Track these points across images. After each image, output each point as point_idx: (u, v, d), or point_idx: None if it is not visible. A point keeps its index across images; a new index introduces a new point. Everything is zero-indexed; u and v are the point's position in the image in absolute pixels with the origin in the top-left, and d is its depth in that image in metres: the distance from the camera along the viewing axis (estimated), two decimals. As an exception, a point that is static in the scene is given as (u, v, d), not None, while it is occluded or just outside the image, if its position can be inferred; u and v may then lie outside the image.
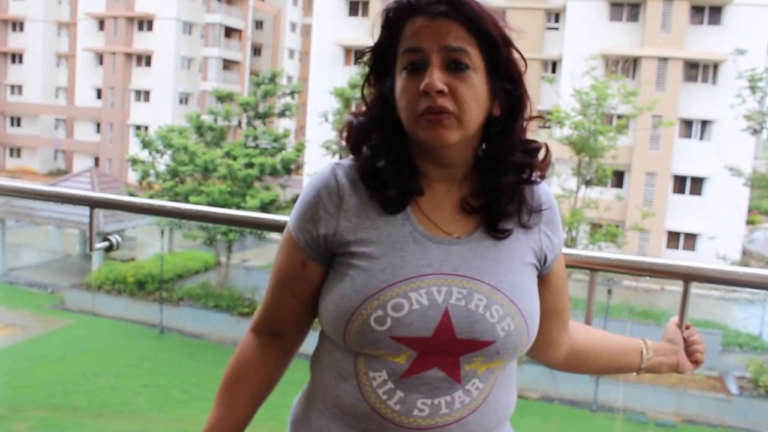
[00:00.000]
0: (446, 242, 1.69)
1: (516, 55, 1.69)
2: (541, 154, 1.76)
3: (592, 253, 2.41)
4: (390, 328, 1.61)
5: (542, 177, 1.78)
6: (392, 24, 1.68)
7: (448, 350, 1.64)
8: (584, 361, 2.03)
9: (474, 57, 1.63)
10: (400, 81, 1.66)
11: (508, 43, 1.67)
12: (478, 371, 1.67)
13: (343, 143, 1.78)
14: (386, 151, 1.72)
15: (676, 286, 2.28)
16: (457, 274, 1.66)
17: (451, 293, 1.64)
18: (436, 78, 1.59)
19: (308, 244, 1.74)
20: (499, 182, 1.71)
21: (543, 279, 1.82)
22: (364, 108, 1.77)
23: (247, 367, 1.86)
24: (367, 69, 1.77)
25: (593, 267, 2.35)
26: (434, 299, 1.63)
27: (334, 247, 1.71)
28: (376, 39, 1.73)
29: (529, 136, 1.75)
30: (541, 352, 1.95)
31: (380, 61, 1.73)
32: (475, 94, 1.63)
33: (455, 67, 1.62)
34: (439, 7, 1.62)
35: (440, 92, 1.59)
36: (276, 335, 1.86)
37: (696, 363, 2.14)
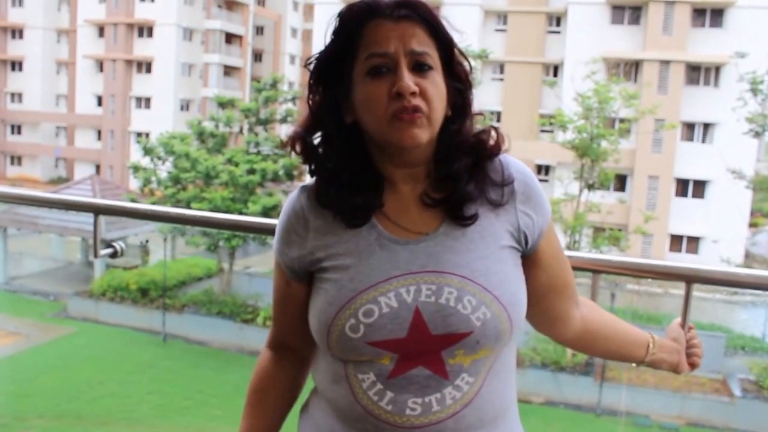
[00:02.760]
0: (413, 242, 1.71)
1: (460, 56, 1.74)
2: (492, 136, 1.78)
3: (595, 255, 2.43)
4: (364, 334, 1.65)
5: (496, 153, 1.78)
6: (349, 27, 1.70)
7: (426, 347, 1.66)
8: (594, 342, 2.03)
9: (435, 58, 1.68)
10: (362, 86, 1.67)
11: (454, 45, 1.73)
12: (464, 365, 1.68)
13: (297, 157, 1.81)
14: (341, 169, 1.74)
15: (680, 290, 2.28)
16: (426, 271, 1.68)
17: (420, 291, 1.66)
18: (409, 80, 1.62)
19: (287, 266, 1.82)
20: (453, 168, 1.72)
21: (530, 258, 1.81)
22: (309, 117, 1.78)
23: (266, 381, 1.95)
24: (311, 74, 1.77)
25: (596, 269, 2.36)
26: (403, 300, 1.66)
27: (308, 266, 1.78)
28: (325, 44, 1.75)
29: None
30: (551, 328, 1.97)
31: (329, 68, 1.73)
32: (440, 93, 1.67)
33: (420, 68, 1.65)
34: (400, 10, 1.67)
35: (413, 93, 1.62)
36: (288, 349, 1.94)
37: (693, 365, 2.15)
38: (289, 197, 1.83)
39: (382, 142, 1.69)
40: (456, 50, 1.73)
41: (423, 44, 1.66)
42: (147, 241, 30.13)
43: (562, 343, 2.03)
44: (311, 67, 1.76)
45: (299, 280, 1.81)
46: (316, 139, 1.78)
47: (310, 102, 1.77)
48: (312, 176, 1.80)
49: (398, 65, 1.63)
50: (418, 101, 1.62)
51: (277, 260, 1.84)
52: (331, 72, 1.73)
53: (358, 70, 1.67)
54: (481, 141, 1.76)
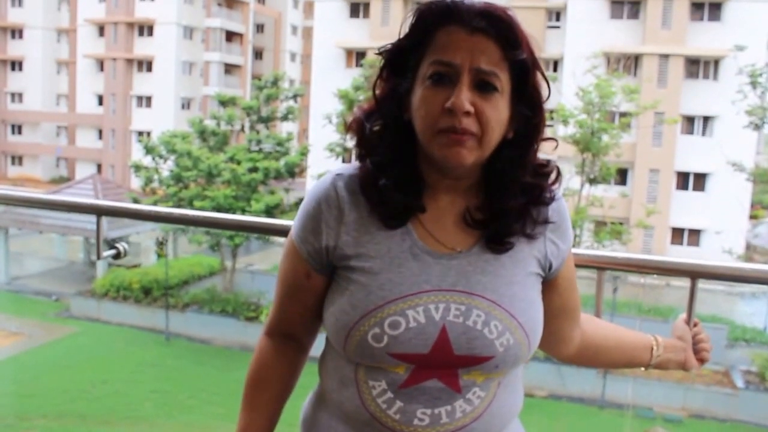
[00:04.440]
0: (446, 257, 1.68)
1: (541, 81, 1.66)
2: (552, 177, 1.73)
3: (600, 252, 2.42)
4: (387, 345, 1.62)
5: (551, 198, 1.74)
6: (424, 26, 1.63)
7: (446, 365, 1.64)
8: (595, 355, 2.02)
9: (503, 80, 1.59)
10: (421, 89, 1.61)
11: (536, 68, 1.64)
12: (477, 381, 1.67)
13: (351, 141, 1.75)
14: (391, 163, 1.68)
15: (681, 282, 2.29)
16: (455, 290, 1.65)
17: (449, 310, 1.63)
18: (465, 98, 1.55)
19: (311, 255, 1.74)
20: (508, 204, 1.68)
21: (549, 282, 1.79)
22: (373, 103, 1.72)
23: (266, 370, 1.88)
24: (382, 63, 1.71)
25: (601, 266, 2.36)
26: (431, 316, 1.62)
27: (334, 259, 1.71)
28: (402, 34, 1.67)
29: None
30: (552, 348, 1.95)
31: (400, 59, 1.67)
32: (498, 117, 1.60)
33: (484, 87, 1.58)
34: (479, 21, 1.58)
35: (466, 113, 1.56)
36: (289, 337, 1.88)
37: (702, 361, 2.15)
38: (320, 182, 1.75)
39: (427, 151, 1.63)
40: (533, 73, 1.63)
41: (493, 64, 1.58)
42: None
43: (563, 360, 2.02)
44: (384, 55, 1.70)
45: (321, 271, 1.74)
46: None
47: (377, 90, 1.71)
48: (360, 161, 1.73)
49: (459, 79, 1.57)
50: (470, 123, 1.56)
51: (296, 248, 1.76)
52: (400, 64, 1.67)
53: (422, 72, 1.62)
54: (537, 185, 1.71)
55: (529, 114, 1.65)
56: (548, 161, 1.74)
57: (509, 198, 1.68)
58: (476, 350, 1.63)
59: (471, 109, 1.55)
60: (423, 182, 1.70)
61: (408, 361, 1.63)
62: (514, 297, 1.67)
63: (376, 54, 1.72)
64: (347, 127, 1.76)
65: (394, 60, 1.69)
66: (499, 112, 1.60)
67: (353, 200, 1.70)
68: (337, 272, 1.72)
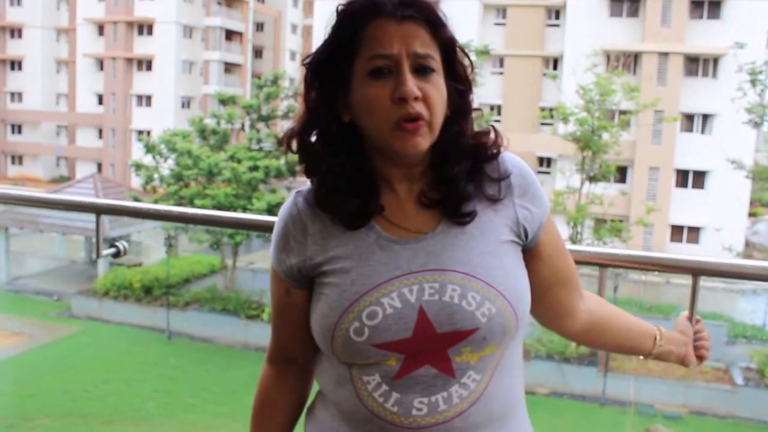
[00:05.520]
0: (413, 241, 1.70)
1: (462, 56, 1.71)
2: (491, 137, 1.75)
3: (602, 249, 2.42)
4: (369, 336, 1.63)
5: (497, 153, 1.76)
6: (349, 26, 1.66)
7: (433, 346, 1.64)
8: (601, 334, 2.00)
9: (437, 60, 1.64)
10: (362, 87, 1.63)
11: (457, 44, 1.70)
12: (470, 362, 1.66)
13: (288, 153, 1.79)
14: (340, 171, 1.71)
15: (681, 279, 2.29)
16: (427, 270, 1.66)
17: (423, 290, 1.64)
18: (411, 84, 1.59)
19: (286, 274, 1.79)
20: (455, 170, 1.70)
21: (532, 251, 1.79)
22: (305, 115, 1.75)
23: (271, 398, 1.94)
24: (309, 73, 1.73)
25: (603, 263, 2.37)
26: (407, 299, 1.64)
27: (308, 271, 1.75)
28: (326, 40, 1.71)
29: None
30: (557, 322, 1.95)
31: (328, 65, 1.69)
32: (441, 96, 1.64)
33: (422, 70, 1.62)
34: (405, 9, 1.62)
35: (416, 98, 1.59)
36: (290, 361, 1.92)
37: (701, 358, 2.15)
38: (284, 204, 1.81)
39: (383, 146, 1.66)
40: (457, 49, 1.69)
41: (426, 46, 1.62)
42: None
43: (569, 337, 2.01)
44: (308, 62, 1.72)
45: (300, 286, 1.79)
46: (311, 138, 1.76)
47: (307, 99, 1.73)
48: (308, 176, 1.77)
49: (401, 68, 1.60)
50: (420, 107, 1.59)
51: (275, 269, 1.82)
52: (329, 69, 1.69)
53: (359, 70, 1.64)
54: (481, 144, 1.74)
55: (462, 88, 1.71)
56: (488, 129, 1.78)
57: (455, 165, 1.70)
58: (458, 324, 1.63)
59: (419, 93, 1.59)
60: (377, 176, 1.73)
61: (394, 350, 1.64)
62: (488, 266, 1.68)
63: (302, 63, 1.74)
64: (279, 143, 1.81)
65: (323, 65, 1.70)
66: (440, 91, 1.64)
67: (314, 213, 1.76)
68: (314, 282, 1.76)
